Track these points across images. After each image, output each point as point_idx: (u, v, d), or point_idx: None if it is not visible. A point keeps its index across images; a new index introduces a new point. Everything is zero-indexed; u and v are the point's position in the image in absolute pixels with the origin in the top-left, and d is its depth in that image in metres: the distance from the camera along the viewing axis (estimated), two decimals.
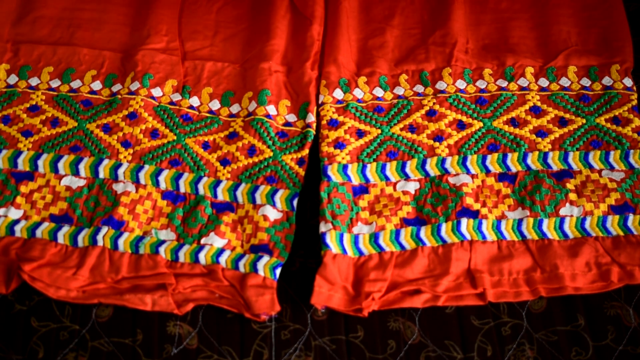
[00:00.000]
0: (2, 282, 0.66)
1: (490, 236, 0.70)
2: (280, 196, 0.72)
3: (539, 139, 0.77)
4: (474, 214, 0.71)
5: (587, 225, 0.71)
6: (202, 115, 0.78)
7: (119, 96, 0.78)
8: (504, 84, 0.81)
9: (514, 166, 0.75)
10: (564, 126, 0.78)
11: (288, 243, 0.69)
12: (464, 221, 0.70)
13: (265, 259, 0.68)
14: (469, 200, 0.71)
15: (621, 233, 0.70)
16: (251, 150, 0.76)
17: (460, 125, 0.78)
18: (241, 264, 0.67)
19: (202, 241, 0.69)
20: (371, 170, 0.75)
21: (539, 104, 0.79)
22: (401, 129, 0.78)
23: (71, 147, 0.75)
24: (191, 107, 0.79)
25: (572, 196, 0.72)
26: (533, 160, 0.75)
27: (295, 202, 0.72)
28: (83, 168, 0.74)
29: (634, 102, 0.79)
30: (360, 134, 0.77)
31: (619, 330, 0.66)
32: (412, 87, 0.81)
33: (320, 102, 0.80)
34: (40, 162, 0.74)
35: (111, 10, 0.87)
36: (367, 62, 0.83)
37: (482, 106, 0.79)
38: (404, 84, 0.81)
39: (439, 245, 0.69)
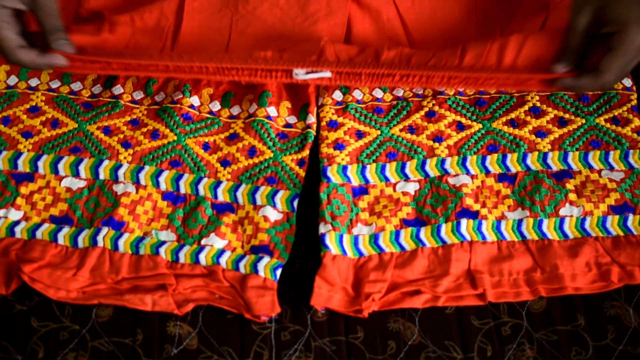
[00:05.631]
0: (2, 283, 0.66)
1: (490, 237, 0.70)
2: (280, 197, 0.72)
3: (539, 139, 0.77)
4: (474, 215, 0.71)
5: (587, 225, 0.71)
6: (202, 115, 0.78)
7: (122, 101, 0.78)
8: None
9: (514, 167, 0.75)
10: (564, 126, 0.78)
11: (288, 244, 0.69)
12: (464, 222, 0.70)
13: (266, 259, 0.68)
14: (468, 201, 0.72)
15: (621, 233, 0.70)
16: (251, 151, 0.76)
17: (460, 127, 0.78)
18: (242, 264, 0.68)
19: (203, 242, 0.69)
20: (371, 171, 0.75)
21: (538, 104, 0.79)
22: (401, 130, 0.78)
23: (71, 149, 0.75)
24: (192, 106, 0.79)
25: (572, 196, 0.72)
26: (533, 161, 0.75)
27: (295, 203, 0.72)
28: (83, 169, 0.74)
29: (634, 102, 0.79)
30: (359, 135, 0.77)
31: (619, 330, 0.66)
32: (412, 89, 0.81)
33: (319, 103, 0.80)
34: (40, 164, 0.74)
35: None
36: None
37: (481, 108, 0.79)
38: None
39: (438, 246, 0.69)
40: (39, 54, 0.70)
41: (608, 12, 0.68)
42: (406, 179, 0.74)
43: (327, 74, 0.72)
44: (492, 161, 0.75)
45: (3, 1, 0.68)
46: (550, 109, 0.79)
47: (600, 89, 0.71)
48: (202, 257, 0.68)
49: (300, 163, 0.75)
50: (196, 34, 0.82)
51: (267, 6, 0.83)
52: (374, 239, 0.70)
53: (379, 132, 0.78)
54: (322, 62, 0.74)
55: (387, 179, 0.74)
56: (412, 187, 0.74)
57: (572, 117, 0.79)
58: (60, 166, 0.74)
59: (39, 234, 0.69)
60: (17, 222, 0.70)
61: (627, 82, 0.81)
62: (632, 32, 0.66)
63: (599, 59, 0.68)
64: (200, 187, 0.73)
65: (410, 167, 0.75)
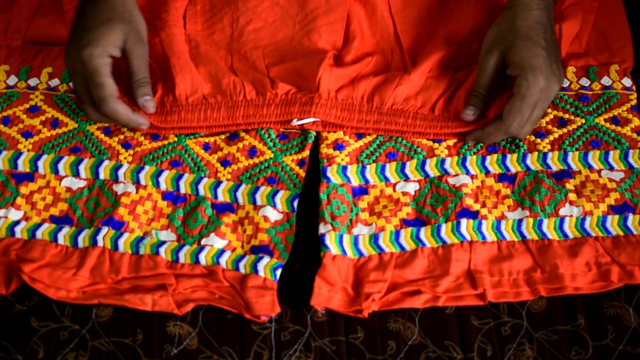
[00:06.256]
0: (2, 283, 0.66)
1: (490, 237, 0.70)
2: (280, 197, 0.72)
3: (538, 140, 0.77)
4: (474, 215, 0.71)
5: (586, 225, 0.71)
6: None
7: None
8: None
9: (514, 167, 0.75)
10: (563, 126, 0.78)
11: (288, 244, 0.69)
12: (464, 222, 0.70)
13: (266, 259, 0.68)
14: (468, 201, 0.72)
15: (621, 233, 0.70)
16: (252, 152, 0.76)
17: None
18: (241, 264, 0.68)
19: (203, 242, 0.69)
20: (370, 171, 0.75)
21: None
22: None
23: (71, 149, 0.75)
24: None
25: (572, 196, 0.72)
26: (532, 161, 0.75)
27: (295, 203, 0.72)
28: (83, 169, 0.74)
29: (633, 102, 0.79)
30: (359, 135, 0.77)
31: (619, 330, 0.66)
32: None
33: None
34: (40, 163, 0.74)
35: None
36: None
37: None
38: None
39: (438, 246, 0.69)
40: (132, 111, 0.73)
41: (511, 55, 0.71)
42: (406, 179, 0.74)
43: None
44: (491, 161, 0.75)
45: (108, 49, 0.70)
46: (549, 110, 0.79)
47: (505, 136, 0.73)
48: (202, 257, 0.68)
49: (301, 163, 0.75)
50: (200, 35, 0.82)
51: (267, 4, 0.83)
52: (374, 239, 0.70)
53: None
54: (316, 100, 0.75)
55: (387, 179, 0.74)
56: (412, 187, 0.74)
57: (572, 117, 0.79)
58: (60, 166, 0.74)
59: (39, 233, 0.69)
60: (17, 222, 0.70)
61: (627, 82, 0.81)
62: (530, 77, 0.70)
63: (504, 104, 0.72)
64: (200, 187, 0.73)
65: (410, 167, 0.75)
